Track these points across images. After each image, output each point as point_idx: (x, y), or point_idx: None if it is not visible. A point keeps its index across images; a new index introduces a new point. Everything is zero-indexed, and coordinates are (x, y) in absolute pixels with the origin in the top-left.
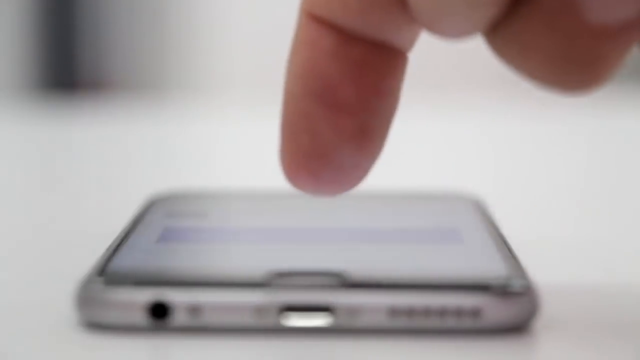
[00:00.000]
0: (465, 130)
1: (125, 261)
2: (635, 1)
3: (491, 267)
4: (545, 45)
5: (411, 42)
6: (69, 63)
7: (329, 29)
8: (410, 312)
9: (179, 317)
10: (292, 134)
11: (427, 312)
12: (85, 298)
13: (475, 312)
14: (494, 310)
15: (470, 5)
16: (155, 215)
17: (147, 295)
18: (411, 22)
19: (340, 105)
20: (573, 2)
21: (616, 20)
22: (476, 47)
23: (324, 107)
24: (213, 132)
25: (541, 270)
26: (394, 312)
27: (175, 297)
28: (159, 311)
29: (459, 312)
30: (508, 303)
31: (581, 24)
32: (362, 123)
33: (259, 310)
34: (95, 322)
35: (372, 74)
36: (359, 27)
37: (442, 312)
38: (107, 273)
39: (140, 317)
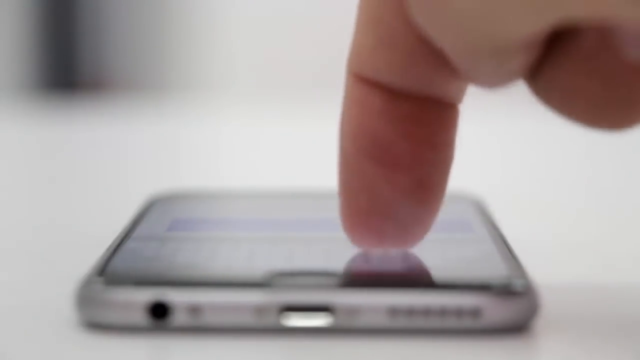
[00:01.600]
0: (465, 130)
1: (125, 261)
2: None
3: (491, 267)
4: (586, 88)
5: (460, 94)
6: (69, 63)
7: (376, 88)
8: (410, 312)
9: (179, 317)
10: (350, 194)
11: (427, 312)
12: (85, 298)
13: (476, 312)
14: (494, 310)
15: (498, 53)
16: (156, 215)
17: (147, 295)
18: (454, 76)
19: (395, 162)
20: (611, 42)
21: None
22: None
23: (378, 165)
24: (213, 132)
25: (541, 270)
26: (394, 312)
27: (175, 297)
28: (159, 311)
29: (459, 312)
30: (508, 303)
31: (621, 64)
32: (419, 177)
33: (259, 310)
34: (95, 322)
35: (423, 129)
36: (405, 84)
37: (442, 312)
38: (107, 273)
39: (140, 317)
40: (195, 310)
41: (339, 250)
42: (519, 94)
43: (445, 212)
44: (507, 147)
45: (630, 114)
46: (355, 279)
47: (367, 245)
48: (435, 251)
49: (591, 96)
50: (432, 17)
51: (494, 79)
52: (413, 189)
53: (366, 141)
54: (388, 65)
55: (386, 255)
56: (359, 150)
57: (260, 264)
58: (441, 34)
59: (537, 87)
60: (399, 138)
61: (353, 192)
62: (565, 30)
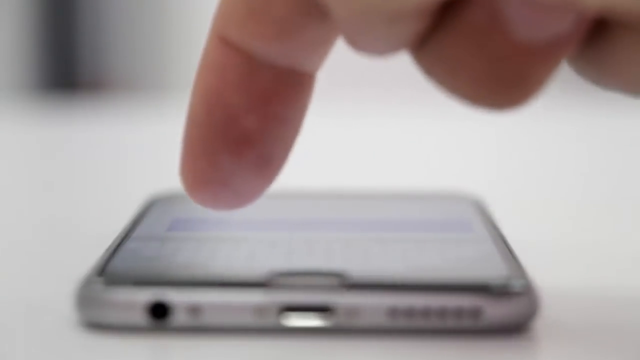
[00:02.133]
0: (465, 130)
1: (125, 261)
2: (560, 18)
3: (491, 267)
4: (473, 64)
5: (320, 63)
6: (69, 63)
7: (238, 55)
8: (410, 312)
9: (179, 317)
10: (192, 158)
11: (427, 312)
12: (85, 298)
13: (475, 312)
14: (494, 310)
15: (391, 18)
16: (156, 215)
17: (147, 295)
18: (321, 44)
19: (243, 137)
20: (499, 21)
21: (543, 37)
22: None
23: (225, 138)
24: None
25: (541, 271)
26: (394, 312)
27: (175, 297)
28: (159, 311)
29: (459, 312)
30: (508, 303)
31: (508, 42)
32: (263, 152)
33: (259, 310)
34: (95, 322)
35: (278, 104)
36: (271, 53)
37: (442, 312)
38: (107, 273)
39: (140, 317)
40: (195, 310)
41: (339, 250)
42: None
43: (445, 212)
44: (507, 147)
45: (514, 95)
46: (355, 279)
47: (202, 204)
48: (435, 251)
49: (476, 72)
50: None
51: (380, 46)
52: (256, 163)
53: (217, 111)
54: (257, 32)
55: (385, 255)
56: (208, 119)
57: (260, 264)
58: None
59: (422, 57)
60: (251, 112)
61: (195, 156)
62: (456, 2)
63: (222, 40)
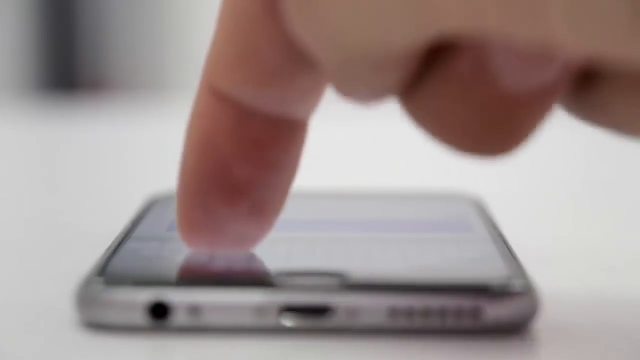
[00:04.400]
0: None
1: (125, 261)
2: (547, 67)
3: (491, 267)
4: (459, 113)
5: (312, 110)
6: (69, 63)
7: (229, 104)
8: (410, 312)
9: (178, 317)
10: (186, 207)
11: (427, 312)
12: (85, 298)
13: (475, 312)
14: (494, 310)
15: (376, 65)
16: (156, 215)
17: (147, 295)
18: (308, 92)
19: (235, 186)
20: (485, 70)
21: (530, 86)
22: None
23: (218, 186)
24: None
25: (541, 271)
26: (393, 312)
27: (175, 297)
28: (159, 311)
29: (458, 312)
30: (508, 303)
31: (495, 92)
32: (257, 200)
33: (259, 310)
34: (95, 322)
35: (270, 151)
36: (260, 102)
37: (442, 312)
38: (107, 273)
39: (140, 317)
40: (195, 310)
41: (339, 250)
42: None
43: (445, 212)
44: None
45: (502, 143)
46: (355, 279)
47: (197, 249)
48: (435, 251)
49: (462, 122)
50: (306, 25)
51: (367, 94)
52: (250, 211)
53: (209, 160)
54: (245, 80)
55: (385, 255)
56: (201, 168)
57: (260, 264)
58: (315, 43)
59: (410, 106)
60: (243, 160)
61: (189, 204)
62: (443, 50)
63: (212, 90)
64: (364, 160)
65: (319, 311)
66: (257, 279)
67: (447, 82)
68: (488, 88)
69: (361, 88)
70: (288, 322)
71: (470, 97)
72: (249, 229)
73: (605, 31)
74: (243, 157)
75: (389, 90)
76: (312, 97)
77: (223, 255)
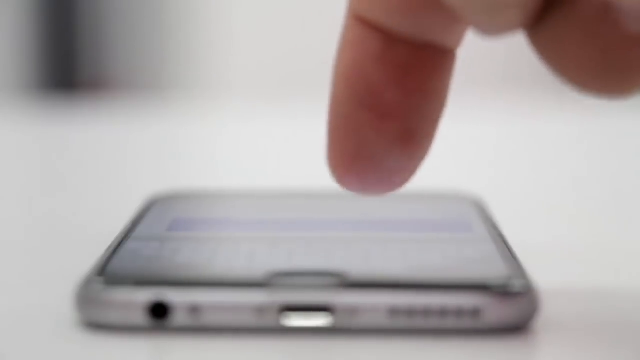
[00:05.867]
0: (465, 129)
1: (125, 261)
2: None
3: (491, 267)
4: (583, 51)
5: (458, 40)
6: (69, 63)
7: (374, 30)
8: (410, 312)
9: (178, 317)
10: (337, 137)
11: (427, 312)
12: (85, 298)
13: (475, 312)
14: (494, 310)
15: (493, 8)
16: (156, 215)
17: (147, 295)
18: (454, 21)
19: (386, 110)
20: (610, 11)
21: None
22: (477, 48)
23: (369, 111)
24: (213, 132)
25: (541, 271)
26: (394, 312)
27: (175, 297)
28: (159, 311)
29: (458, 312)
30: (508, 303)
31: (619, 31)
32: (408, 126)
33: (259, 310)
34: (95, 322)
35: (418, 76)
36: (404, 28)
37: (442, 312)
38: (107, 273)
39: (140, 317)
40: (195, 310)
41: (339, 250)
42: (519, 94)
43: (445, 212)
44: (507, 147)
45: (624, 83)
46: (355, 279)
47: (350, 188)
48: (435, 251)
49: (587, 60)
50: None
51: (492, 28)
52: (401, 137)
53: (358, 86)
54: (388, 9)
55: (385, 255)
56: (350, 94)
57: (260, 264)
58: None
59: (535, 41)
60: (392, 85)
61: (340, 135)
62: None
63: (358, 18)
64: None
65: (319, 311)
66: (257, 279)
67: (571, 21)
68: (611, 29)
69: (485, 22)
70: (288, 322)
71: (594, 37)
72: (400, 160)
73: None
74: (391, 82)
75: (513, 25)
76: (455, 28)
77: (223, 255)
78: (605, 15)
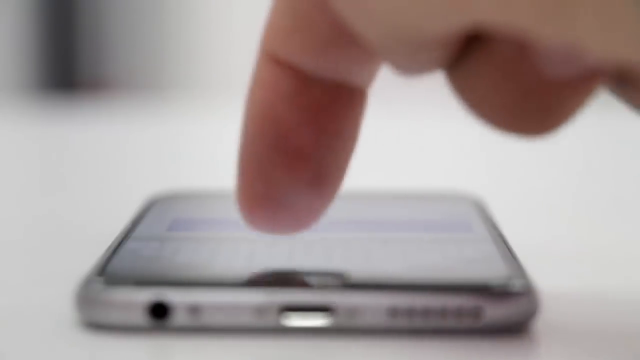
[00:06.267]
0: (465, 130)
1: (125, 261)
2: (585, 61)
3: (491, 267)
4: (501, 93)
5: (371, 80)
6: (69, 63)
7: (288, 70)
8: (410, 312)
9: (178, 317)
10: (247, 177)
11: (427, 312)
12: (85, 298)
13: (476, 312)
14: (494, 310)
15: (413, 47)
16: (156, 215)
17: (147, 295)
18: (368, 60)
19: (296, 152)
20: (527, 54)
21: (571, 75)
22: None
23: (279, 154)
24: (213, 132)
25: (541, 271)
26: (394, 312)
27: (175, 297)
28: (159, 311)
29: (459, 312)
30: (508, 303)
31: (536, 74)
32: (319, 168)
33: (259, 310)
34: (95, 322)
35: (330, 117)
36: (318, 68)
37: (442, 312)
38: (107, 273)
39: (140, 317)
40: (195, 310)
41: (338, 250)
42: None
43: (445, 212)
44: (507, 147)
45: (543, 124)
46: (355, 279)
47: (258, 229)
48: (435, 251)
49: (505, 101)
50: (345, 2)
51: (411, 68)
52: (312, 180)
53: (269, 127)
54: (302, 49)
55: (385, 255)
56: (261, 135)
57: (260, 264)
58: (356, 21)
59: (454, 81)
60: (304, 126)
61: (250, 175)
62: (484, 33)
63: (270, 57)
64: (364, 160)
65: (319, 311)
66: (257, 279)
67: (489, 63)
68: (530, 72)
69: (404, 63)
70: (288, 322)
71: (512, 79)
72: (310, 201)
73: (631, 40)
74: (303, 124)
75: (432, 66)
76: (369, 67)
77: (223, 255)
78: (524, 58)
